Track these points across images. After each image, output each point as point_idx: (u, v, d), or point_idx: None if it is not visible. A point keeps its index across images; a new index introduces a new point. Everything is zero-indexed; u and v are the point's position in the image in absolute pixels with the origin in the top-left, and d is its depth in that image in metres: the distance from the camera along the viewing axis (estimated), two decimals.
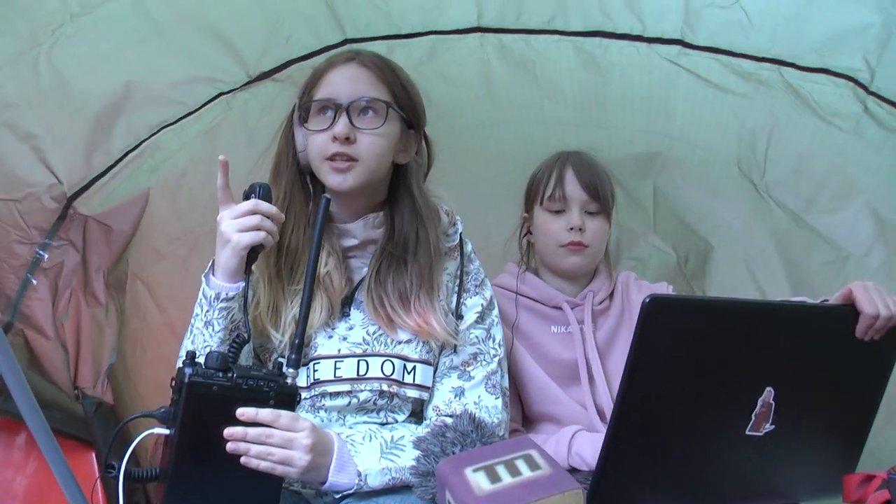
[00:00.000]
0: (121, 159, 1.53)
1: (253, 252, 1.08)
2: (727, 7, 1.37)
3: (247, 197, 1.09)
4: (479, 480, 0.85)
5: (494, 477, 0.85)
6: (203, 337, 1.10)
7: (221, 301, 1.08)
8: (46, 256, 1.49)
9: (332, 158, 1.17)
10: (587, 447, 1.29)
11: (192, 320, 1.13)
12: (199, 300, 1.11)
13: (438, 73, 1.61)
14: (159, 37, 1.40)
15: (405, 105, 1.24)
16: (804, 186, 1.70)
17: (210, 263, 1.12)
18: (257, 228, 1.06)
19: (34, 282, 1.47)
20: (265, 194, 1.09)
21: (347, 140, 1.16)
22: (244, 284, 1.08)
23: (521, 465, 0.86)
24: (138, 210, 1.59)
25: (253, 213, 1.06)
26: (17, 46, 1.28)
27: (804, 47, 1.42)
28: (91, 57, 1.36)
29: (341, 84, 1.19)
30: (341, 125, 1.16)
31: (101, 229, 1.56)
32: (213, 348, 1.08)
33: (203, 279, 1.12)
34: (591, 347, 1.46)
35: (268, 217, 1.07)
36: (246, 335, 1.05)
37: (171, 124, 1.54)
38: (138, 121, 1.52)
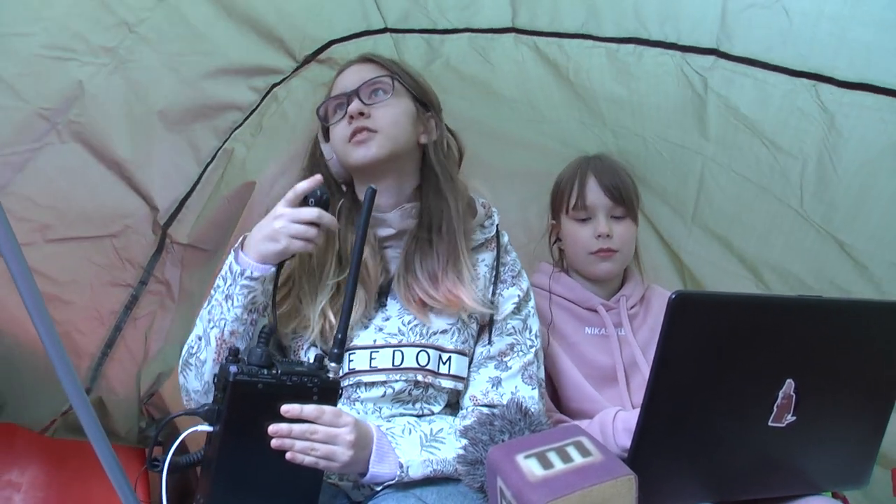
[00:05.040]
0: (203, 171, 1.45)
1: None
2: (768, 7, 1.25)
3: (308, 202, 1.10)
4: (531, 466, 0.85)
5: (546, 463, 0.85)
6: (221, 309, 1.11)
7: (245, 278, 1.10)
8: (140, 300, 1.39)
9: (353, 135, 1.21)
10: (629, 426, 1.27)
11: (213, 292, 1.14)
12: (223, 273, 1.13)
13: (475, 72, 1.59)
14: (205, 39, 1.35)
15: (412, 85, 1.29)
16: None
17: (241, 239, 1.14)
18: (309, 240, 1.08)
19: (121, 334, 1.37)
20: (326, 203, 1.10)
21: (361, 115, 1.21)
22: (274, 271, 1.10)
23: (573, 451, 0.86)
24: (226, 230, 1.52)
25: (313, 224, 1.08)
26: (86, 70, 1.22)
27: (845, 57, 1.24)
28: (154, 69, 1.30)
29: (349, 79, 1.27)
30: (353, 104, 1.21)
31: (199, 255, 1.48)
32: (227, 322, 1.10)
33: (231, 253, 1.13)
34: (634, 349, 1.45)
35: (320, 227, 1.09)
36: (272, 326, 1.06)
37: (238, 127, 1.48)
38: (210, 128, 1.44)
